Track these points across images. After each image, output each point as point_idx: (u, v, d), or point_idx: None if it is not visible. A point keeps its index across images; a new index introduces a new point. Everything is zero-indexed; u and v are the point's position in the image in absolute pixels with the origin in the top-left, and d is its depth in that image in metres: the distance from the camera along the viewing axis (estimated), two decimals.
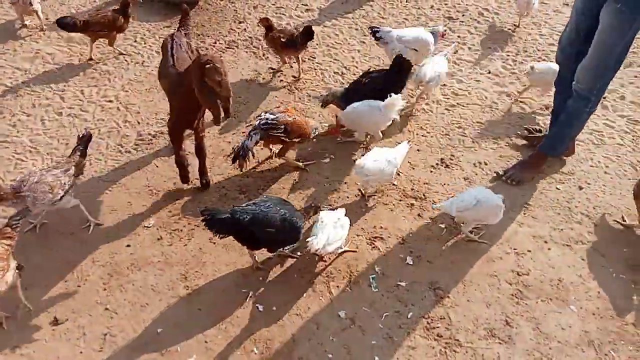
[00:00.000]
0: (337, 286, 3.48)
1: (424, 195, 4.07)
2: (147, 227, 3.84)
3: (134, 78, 5.23)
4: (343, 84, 5.12)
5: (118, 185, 4.17)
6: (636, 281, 3.49)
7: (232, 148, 4.13)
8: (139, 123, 4.72)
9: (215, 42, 5.64)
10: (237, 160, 3.89)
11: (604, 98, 4.86)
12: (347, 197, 4.08)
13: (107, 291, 3.44)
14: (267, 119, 3.98)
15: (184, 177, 4.06)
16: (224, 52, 5.52)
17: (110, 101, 4.99)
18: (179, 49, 3.88)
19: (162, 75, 3.91)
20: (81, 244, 3.73)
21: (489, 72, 5.18)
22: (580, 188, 4.11)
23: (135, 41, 5.68)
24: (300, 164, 4.27)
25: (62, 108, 4.89)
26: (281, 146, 4.16)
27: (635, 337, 3.20)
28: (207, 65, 3.20)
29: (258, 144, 4.01)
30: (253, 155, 3.99)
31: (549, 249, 3.70)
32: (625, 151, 4.41)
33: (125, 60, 5.43)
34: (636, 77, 5.06)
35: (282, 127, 3.96)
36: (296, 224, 3.33)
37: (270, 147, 4.29)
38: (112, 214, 3.94)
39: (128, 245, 3.72)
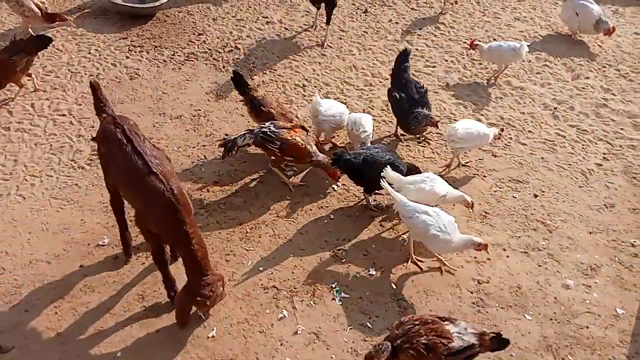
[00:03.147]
0: (301, 301, 3.44)
1: (386, 206, 4.10)
2: (102, 245, 3.69)
3: (87, 91, 5.04)
4: (304, 96, 5.13)
5: (70, 203, 4.00)
6: (589, 285, 3.61)
7: (225, 135, 4.24)
8: (93, 137, 4.55)
9: (173, 54, 5.54)
10: (224, 149, 4.03)
11: (555, 109, 5.07)
12: (310, 209, 4.06)
13: (58, 315, 3.27)
14: (268, 129, 4.00)
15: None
16: (182, 65, 5.43)
17: (63, 115, 4.81)
18: (137, 138, 3.11)
19: (127, 176, 3.04)
20: (29, 265, 3.54)
21: (447, 85, 5.31)
22: (536, 196, 4.24)
23: (90, 53, 5.51)
24: (289, 182, 4.19)
25: (10, 122, 4.67)
26: (274, 157, 4.10)
27: (590, 340, 3.30)
28: (198, 298, 2.99)
29: (249, 146, 4.11)
30: (237, 152, 4.07)
31: (507, 256, 3.79)
32: (576, 159, 4.59)
33: (79, 73, 5.25)
34: (584, 88, 5.30)
35: (278, 143, 3.97)
36: (398, 167, 3.79)
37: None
38: (64, 233, 3.76)
39: (81, 266, 3.56)
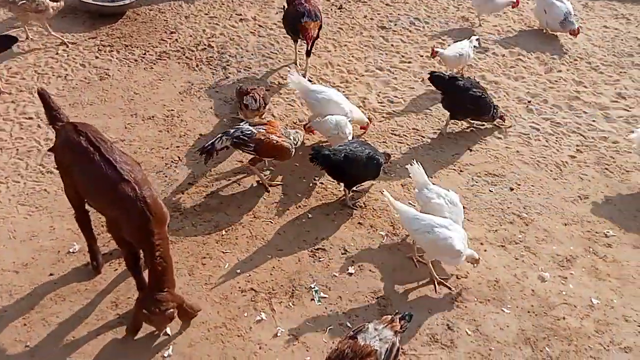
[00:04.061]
0: (280, 302, 3.39)
1: (364, 203, 4.08)
2: (73, 252, 3.58)
3: (56, 92, 4.90)
4: (280, 94, 5.07)
5: (39, 209, 3.86)
6: (565, 277, 3.66)
7: (200, 135, 4.20)
8: (50, 149, 4.38)
9: (145, 54, 5.41)
10: (205, 155, 3.92)
11: (529, 102, 5.12)
12: (288, 209, 4.01)
13: (27, 327, 3.15)
14: (241, 132, 3.88)
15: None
16: (154, 64, 5.30)
17: (30, 118, 4.65)
18: (104, 144, 2.97)
19: (97, 186, 2.92)
20: None
21: (422, 80, 5.30)
22: (511, 189, 4.27)
23: (57, 53, 5.34)
24: (266, 182, 4.12)
25: None
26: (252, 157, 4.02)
27: (566, 332, 3.33)
28: (143, 311, 2.88)
29: (228, 149, 3.99)
30: (217, 154, 3.97)
31: (485, 250, 3.80)
32: (550, 152, 4.63)
33: (47, 74, 5.09)
34: (556, 81, 5.36)
35: (253, 145, 3.87)
36: (379, 161, 3.87)
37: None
38: (32, 241, 3.64)
39: (51, 274, 3.44)
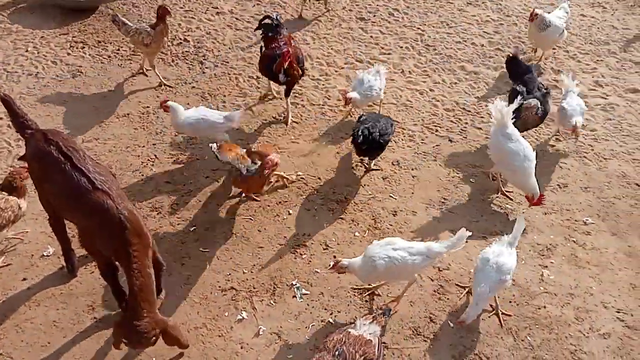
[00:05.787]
0: (261, 300, 3.35)
1: (345, 198, 4.04)
2: (46, 256, 3.48)
3: (26, 91, 4.76)
4: (258, 88, 4.99)
5: None
6: (545, 265, 3.68)
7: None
8: (20, 157, 4.25)
9: (118, 49, 5.28)
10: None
11: (509, 92, 5.10)
12: (268, 205, 3.96)
13: (0, 334, 3.06)
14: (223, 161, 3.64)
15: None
16: (128, 60, 5.17)
17: (0, 118, 4.50)
18: (76, 154, 2.84)
19: (69, 196, 2.78)
20: None
21: (402, 71, 5.27)
22: (493, 180, 4.27)
23: (27, 51, 5.18)
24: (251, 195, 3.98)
25: None
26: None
27: (547, 320, 3.36)
28: (124, 340, 2.71)
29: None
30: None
31: (466, 241, 3.79)
32: (530, 141, 4.63)
33: (16, 72, 4.93)
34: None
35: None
36: (377, 135, 3.96)
37: None
38: (4, 244, 3.52)
39: (24, 279, 3.35)
